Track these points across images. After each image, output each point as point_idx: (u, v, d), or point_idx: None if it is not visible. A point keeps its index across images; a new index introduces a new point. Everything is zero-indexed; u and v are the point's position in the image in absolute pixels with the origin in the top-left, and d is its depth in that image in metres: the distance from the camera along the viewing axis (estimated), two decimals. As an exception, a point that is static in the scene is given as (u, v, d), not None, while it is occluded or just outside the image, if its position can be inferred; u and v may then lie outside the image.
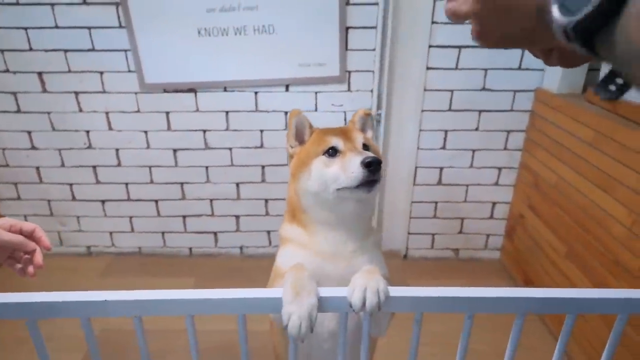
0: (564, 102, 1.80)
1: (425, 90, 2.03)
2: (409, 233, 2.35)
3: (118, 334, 1.78)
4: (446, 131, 2.11)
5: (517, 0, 0.38)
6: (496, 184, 2.22)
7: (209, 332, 1.47)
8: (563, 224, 1.79)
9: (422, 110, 2.07)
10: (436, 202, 2.28)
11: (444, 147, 2.15)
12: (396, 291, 0.70)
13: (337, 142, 0.83)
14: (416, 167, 2.19)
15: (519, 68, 1.98)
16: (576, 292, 0.71)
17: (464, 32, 1.92)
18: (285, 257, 0.85)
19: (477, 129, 2.11)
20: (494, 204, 2.27)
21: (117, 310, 0.70)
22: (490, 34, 0.42)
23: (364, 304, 0.67)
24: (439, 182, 2.23)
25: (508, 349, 0.77)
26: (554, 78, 1.90)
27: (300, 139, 0.92)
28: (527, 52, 0.55)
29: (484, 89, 2.03)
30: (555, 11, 0.34)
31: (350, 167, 0.78)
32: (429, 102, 2.05)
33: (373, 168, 0.76)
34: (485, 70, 1.99)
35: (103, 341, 1.75)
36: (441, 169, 2.20)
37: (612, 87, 0.40)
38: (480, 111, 2.07)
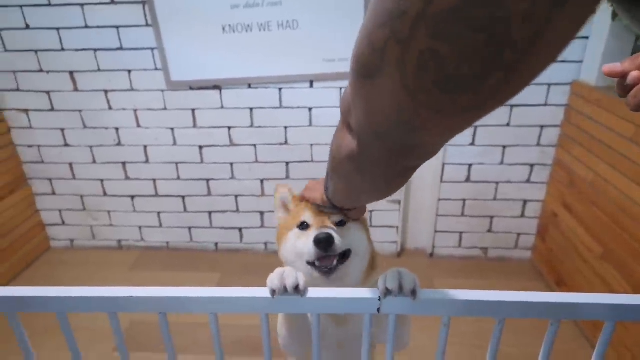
0: (603, 96, 1.71)
1: (453, 84, 1.97)
2: (435, 231, 2.30)
3: (146, 326, 1.83)
4: (476, 127, 2.05)
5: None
6: (528, 181, 2.15)
7: (232, 326, 1.49)
8: (599, 224, 1.70)
9: (450, 105, 2.01)
10: (464, 200, 2.22)
11: (473, 144, 2.09)
12: (424, 294, 0.68)
13: (308, 217, 0.83)
14: (444, 164, 2.14)
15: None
16: (615, 298, 0.66)
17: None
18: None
19: (508, 125, 2.04)
20: (525, 202, 2.20)
21: (142, 306, 0.71)
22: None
23: (399, 288, 0.67)
24: (468, 179, 2.17)
25: (541, 356, 0.73)
26: (593, 70, 1.80)
27: (287, 210, 0.93)
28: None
29: (515, 82, 1.95)
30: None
31: (308, 243, 0.77)
32: (457, 97, 2.00)
33: (323, 245, 0.74)
34: (517, 63, 1.92)
35: (133, 333, 1.80)
36: (470, 165, 2.14)
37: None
38: (512, 106, 2.00)
